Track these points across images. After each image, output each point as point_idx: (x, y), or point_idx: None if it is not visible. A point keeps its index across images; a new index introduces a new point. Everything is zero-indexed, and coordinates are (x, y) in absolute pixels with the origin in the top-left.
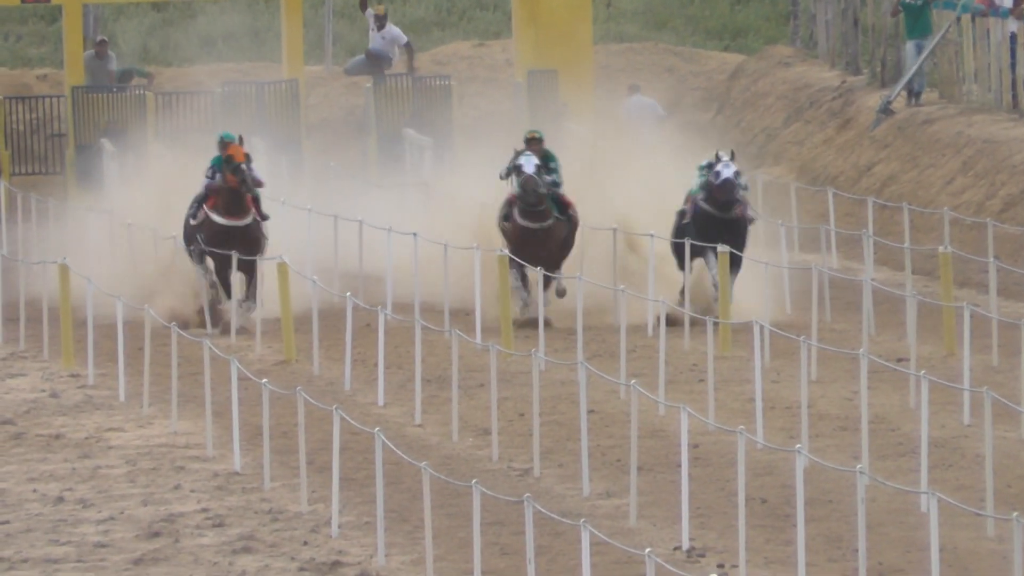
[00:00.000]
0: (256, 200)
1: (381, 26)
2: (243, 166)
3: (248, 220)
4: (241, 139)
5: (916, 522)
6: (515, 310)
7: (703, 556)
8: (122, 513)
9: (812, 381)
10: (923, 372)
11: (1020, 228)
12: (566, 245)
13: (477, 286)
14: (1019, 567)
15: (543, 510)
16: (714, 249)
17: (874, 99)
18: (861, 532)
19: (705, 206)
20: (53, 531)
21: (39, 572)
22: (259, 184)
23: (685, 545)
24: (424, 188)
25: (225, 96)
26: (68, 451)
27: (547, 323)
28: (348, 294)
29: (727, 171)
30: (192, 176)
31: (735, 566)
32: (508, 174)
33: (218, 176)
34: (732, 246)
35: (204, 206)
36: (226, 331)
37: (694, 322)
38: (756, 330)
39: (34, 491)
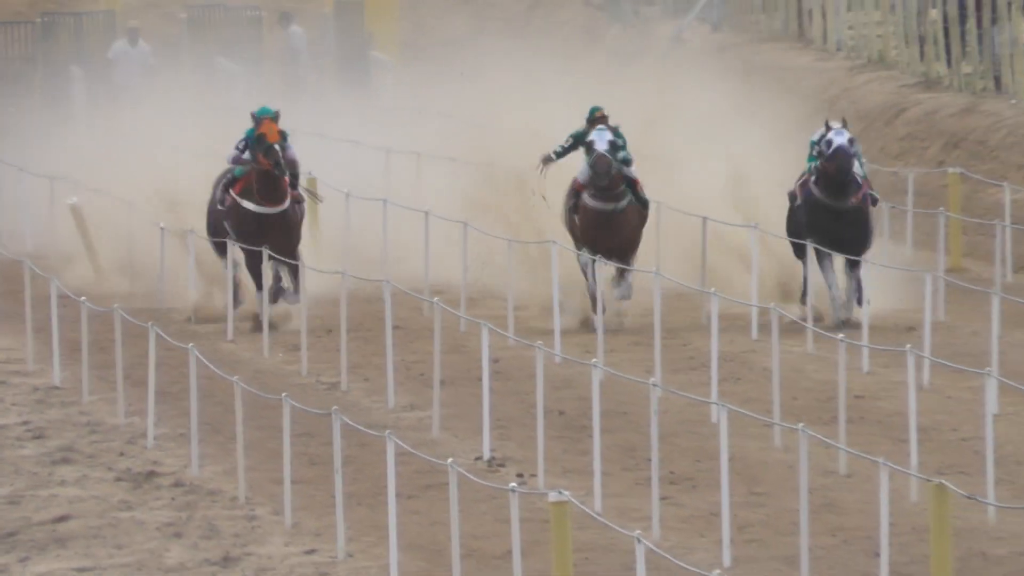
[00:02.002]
0: (294, 179)
1: (134, 42)
2: (276, 146)
3: (285, 206)
4: (277, 114)
5: (707, 432)
6: (589, 313)
7: (503, 466)
8: None
9: (613, 300)
10: (713, 290)
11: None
12: (639, 231)
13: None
14: (804, 475)
15: (350, 422)
16: (826, 249)
17: (667, 28)
18: (654, 442)
19: (816, 193)
20: None
21: None
22: (294, 163)
23: (486, 455)
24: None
25: (44, 26)
26: None
27: (620, 323)
28: (160, 224)
29: (839, 138)
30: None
31: (534, 475)
32: (565, 152)
33: (247, 153)
34: (852, 241)
35: (231, 191)
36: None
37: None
38: (553, 250)
39: None
